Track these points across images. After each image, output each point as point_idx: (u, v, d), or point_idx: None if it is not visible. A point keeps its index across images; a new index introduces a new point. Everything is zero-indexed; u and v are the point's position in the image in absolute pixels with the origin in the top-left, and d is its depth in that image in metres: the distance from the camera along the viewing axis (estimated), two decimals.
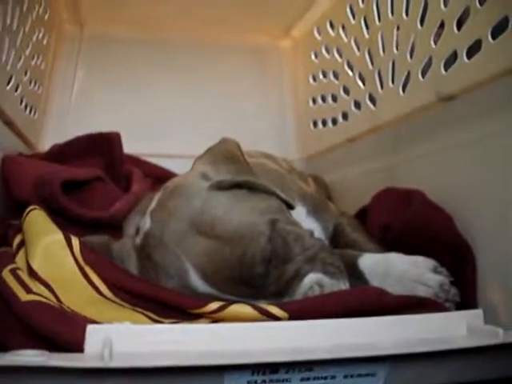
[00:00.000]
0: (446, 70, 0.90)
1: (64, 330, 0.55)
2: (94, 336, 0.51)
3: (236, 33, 1.68)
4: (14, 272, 0.66)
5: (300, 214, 0.91)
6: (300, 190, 0.98)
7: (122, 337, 0.51)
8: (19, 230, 0.79)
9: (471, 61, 0.83)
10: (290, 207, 0.82)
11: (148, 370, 0.50)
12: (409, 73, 1.02)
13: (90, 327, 0.51)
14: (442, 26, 0.91)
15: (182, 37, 1.65)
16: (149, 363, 0.49)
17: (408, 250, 0.79)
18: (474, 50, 0.83)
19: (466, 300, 0.74)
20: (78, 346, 0.52)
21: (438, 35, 0.93)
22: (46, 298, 0.63)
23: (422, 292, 0.72)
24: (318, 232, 0.92)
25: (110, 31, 1.61)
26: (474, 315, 0.63)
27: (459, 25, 0.86)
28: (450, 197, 0.85)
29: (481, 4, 0.81)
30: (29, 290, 0.63)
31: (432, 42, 0.94)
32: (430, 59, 0.95)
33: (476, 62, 0.83)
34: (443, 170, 0.90)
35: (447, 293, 0.72)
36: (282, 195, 0.80)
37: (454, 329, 0.62)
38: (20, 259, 0.73)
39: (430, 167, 0.94)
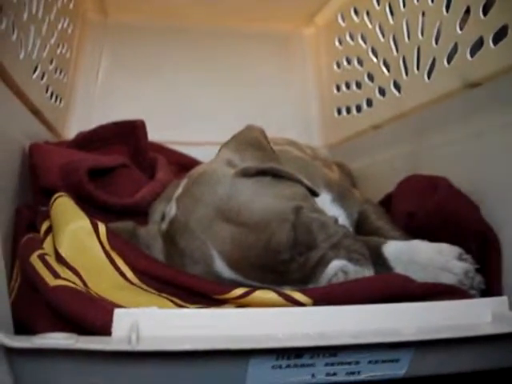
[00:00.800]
0: (471, 56, 0.89)
1: (91, 315, 0.56)
2: (121, 320, 0.52)
3: (259, 21, 1.67)
4: (42, 257, 0.67)
5: (324, 201, 0.91)
6: (324, 176, 0.98)
7: (149, 321, 0.52)
8: (47, 216, 0.80)
9: (497, 47, 0.83)
10: (315, 194, 0.82)
11: (174, 353, 0.50)
12: (434, 59, 1.01)
13: (117, 311, 0.52)
14: (467, 11, 0.90)
15: (205, 25, 1.65)
16: (175, 347, 0.49)
17: (433, 238, 0.79)
18: (500, 36, 0.82)
19: (491, 287, 0.74)
20: (105, 330, 0.53)
21: (463, 21, 0.92)
22: (73, 283, 0.63)
23: (447, 279, 0.72)
24: (343, 219, 0.92)
25: (134, 20, 1.61)
26: (499, 302, 0.63)
27: (485, 11, 0.85)
28: (475, 184, 0.85)
29: None
30: (57, 275, 0.64)
31: (458, 28, 0.93)
32: (456, 45, 0.94)
33: (502, 49, 0.82)
34: (468, 157, 0.89)
35: (472, 280, 0.72)
36: (307, 182, 0.80)
37: (478, 315, 0.61)
38: (47, 245, 0.74)
39: (455, 154, 0.93)
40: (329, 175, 1.02)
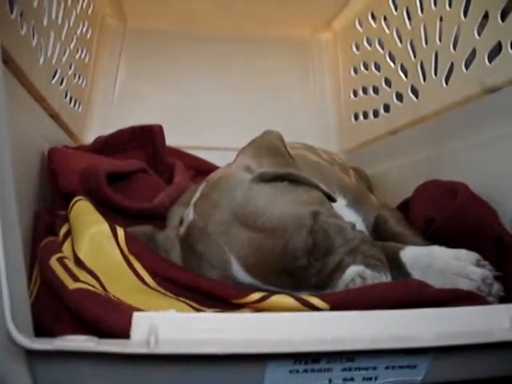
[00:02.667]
0: (490, 61, 0.89)
1: (110, 318, 0.56)
2: (140, 323, 0.52)
3: (277, 26, 1.68)
4: (61, 261, 0.68)
5: (341, 206, 0.91)
6: (341, 181, 0.98)
7: (168, 324, 0.52)
8: (66, 220, 0.81)
9: None
10: (332, 199, 0.82)
11: (192, 356, 0.51)
12: (452, 64, 1.01)
13: (136, 314, 0.53)
14: (485, 17, 0.90)
15: (223, 31, 1.66)
16: (193, 350, 0.50)
17: (451, 244, 0.78)
18: None
19: (510, 294, 0.74)
20: (124, 333, 0.53)
21: (481, 26, 0.92)
22: (92, 286, 0.64)
23: (464, 285, 0.71)
24: (359, 224, 0.92)
25: (152, 25, 1.63)
26: None
27: (503, 16, 0.85)
28: (494, 190, 0.84)
29: None
30: (76, 279, 0.64)
31: (476, 34, 0.93)
32: (474, 51, 0.94)
33: None
34: (487, 163, 0.89)
35: (490, 286, 0.71)
36: (324, 187, 0.80)
37: (496, 322, 0.61)
38: (66, 248, 0.75)
39: (474, 160, 0.93)
40: (345, 180, 1.01)
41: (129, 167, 0.97)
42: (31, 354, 0.50)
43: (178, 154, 1.33)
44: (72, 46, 1.22)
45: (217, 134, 1.57)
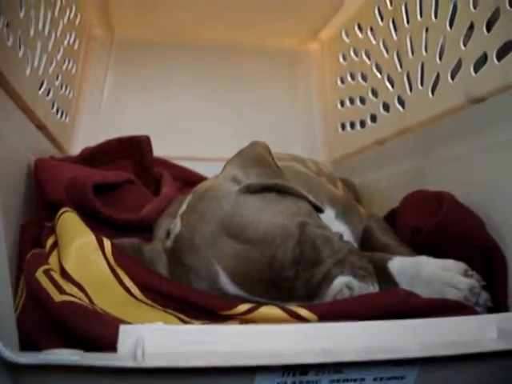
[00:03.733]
0: (475, 72, 0.90)
1: (97, 330, 0.56)
2: (126, 336, 0.51)
3: (264, 36, 1.68)
4: (47, 273, 0.67)
5: (328, 217, 0.91)
6: (328, 192, 0.98)
7: (155, 337, 0.52)
8: (52, 231, 0.80)
9: (501, 63, 0.83)
10: (320, 210, 0.82)
11: (180, 370, 0.50)
12: (438, 75, 1.02)
13: (122, 327, 0.52)
14: (471, 27, 0.90)
15: (210, 41, 1.66)
16: (181, 363, 0.49)
17: (438, 253, 0.78)
18: (504, 51, 0.83)
19: (498, 304, 0.74)
20: (110, 346, 0.53)
21: (467, 37, 0.92)
22: (78, 298, 0.64)
23: (452, 295, 0.72)
24: (347, 235, 0.92)
25: (139, 36, 1.63)
26: (505, 318, 0.62)
27: (489, 27, 0.86)
28: (480, 199, 0.85)
29: (511, 5, 0.80)
30: (62, 291, 0.64)
31: (461, 44, 0.93)
32: (460, 61, 0.94)
33: (506, 64, 0.82)
34: (473, 173, 0.89)
35: (477, 296, 0.72)
36: (312, 198, 0.80)
37: (484, 332, 0.61)
38: (53, 260, 0.74)
39: (460, 170, 0.93)
40: (333, 191, 1.02)
41: (116, 178, 0.97)
42: (16, 368, 0.49)
43: (165, 164, 1.33)
44: (59, 57, 1.22)
45: (205, 145, 1.57)
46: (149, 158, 1.12)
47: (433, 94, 1.04)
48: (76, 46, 1.40)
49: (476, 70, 0.90)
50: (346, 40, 1.52)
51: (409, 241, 0.89)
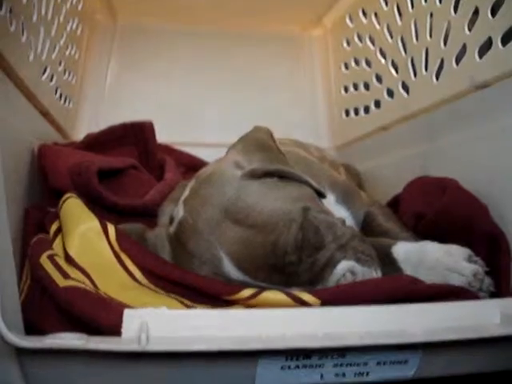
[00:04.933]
0: (480, 57, 0.89)
1: (101, 315, 0.56)
2: (131, 320, 0.52)
3: (267, 22, 1.67)
4: (51, 258, 0.68)
5: (330, 202, 0.91)
6: (330, 178, 0.98)
7: (159, 321, 0.52)
8: (56, 217, 0.80)
9: (506, 48, 0.83)
10: (322, 195, 0.82)
11: (183, 353, 0.51)
12: (442, 60, 1.01)
13: (127, 312, 0.53)
14: (476, 12, 0.90)
15: (213, 27, 1.65)
16: (184, 347, 0.50)
17: (442, 239, 0.78)
18: (508, 36, 0.82)
19: (501, 289, 0.74)
20: (114, 331, 0.53)
21: (472, 22, 0.92)
22: (82, 283, 0.64)
23: (456, 281, 0.72)
24: (349, 220, 0.92)
25: (142, 21, 1.62)
26: (508, 304, 0.62)
27: (493, 11, 0.85)
28: (484, 185, 0.85)
29: None
30: (66, 276, 0.64)
31: (466, 29, 0.93)
32: (464, 46, 0.94)
33: (511, 49, 0.82)
34: (477, 159, 0.89)
35: (481, 282, 0.72)
36: (314, 183, 0.80)
37: (487, 317, 0.61)
38: (57, 246, 0.75)
39: (464, 155, 0.93)
40: (335, 176, 1.01)
41: (120, 164, 0.97)
42: (21, 352, 0.50)
43: (168, 150, 1.33)
44: (62, 43, 1.21)
45: (208, 130, 1.58)
46: (152, 144, 1.12)
47: (437, 79, 1.04)
48: (79, 32, 1.39)
49: (481, 55, 0.89)
50: (350, 25, 1.51)
51: (412, 227, 0.89)
